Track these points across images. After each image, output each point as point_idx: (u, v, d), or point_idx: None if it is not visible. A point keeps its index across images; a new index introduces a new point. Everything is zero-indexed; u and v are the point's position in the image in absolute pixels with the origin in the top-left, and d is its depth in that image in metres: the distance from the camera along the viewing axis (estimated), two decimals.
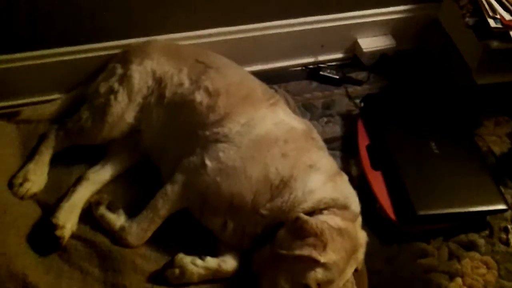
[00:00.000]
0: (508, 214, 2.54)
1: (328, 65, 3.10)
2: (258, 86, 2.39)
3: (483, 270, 2.38)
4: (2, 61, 2.53)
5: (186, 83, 2.33)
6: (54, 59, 2.59)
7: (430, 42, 3.20)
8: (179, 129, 2.28)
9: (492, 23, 2.67)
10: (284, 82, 2.96)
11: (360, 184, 2.46)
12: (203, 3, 2.68)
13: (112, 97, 2.34)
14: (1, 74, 2.55)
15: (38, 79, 2.62)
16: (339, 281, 1.99)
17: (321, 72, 3.04)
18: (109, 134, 2.36)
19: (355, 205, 2.14)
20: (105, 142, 2.39)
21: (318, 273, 1.91)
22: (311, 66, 3.08)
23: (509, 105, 2.99)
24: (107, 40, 2.63)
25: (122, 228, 2.15)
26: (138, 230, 2.14)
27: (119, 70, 2.40)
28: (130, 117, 2.35)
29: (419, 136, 2.64)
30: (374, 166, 2.54)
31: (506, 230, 2.50)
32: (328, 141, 2.56)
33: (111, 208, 2.20)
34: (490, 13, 2.68)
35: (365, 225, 2.20)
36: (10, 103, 2.63)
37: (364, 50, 3.08)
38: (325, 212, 2.03)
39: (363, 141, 2.64)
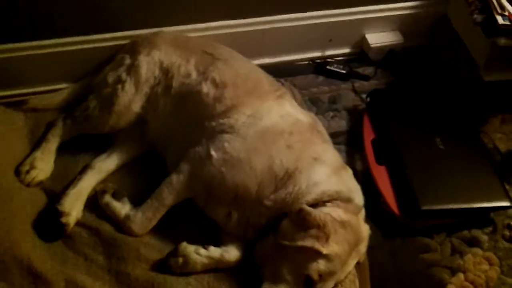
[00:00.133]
0: None
1: (335, 60, 3.11)
2: (265, 79, 2.40)
3: (485, 266, 2.38)
4: (11, 50, 2.54)
5: (193, 74, 2.34)
6: (62, 49, 2.60)
7: (438, 39, 3.20)
8: (186, 120, 2.30)
9: (500, 20, 2.67)
10: (291, 76, 2.97)
11: (365, 179, 2.47)
12: None
13: (119, 87, 2.35)
14: (9, 63, 2.56)
15: (46, 69, 2.63)
16: (341, 273, 2.00)
17: (328, 67, 3.05)
18: (116, 124, 2.37)
19: (359, 198, 2.14)
20: (112, 132, 2.41)
21: (320, 265, 1.92)
22: (318, 61, 3.09)
23: None
24: (115, 31, 2.64)
25: (127, 217, 2.16)
26: (142, 219, 2.15)
27: (127, 61, 2.42)
28: (137, 107, 2.36)
29: (424, 131, 2.65)
30: (379, 161, 2.55)
31: (509, 227, 2.50)
32: (333, 135, 2.56)
33: (116, 196, 2.22)
34: (499, 10, 2.68)
35: (369, 220, 2.21)
36: (18, 91, 2.64)
37: (372, 45, 3.09)
38: (329, 204, 2.04)
39: (368, 136, 2.65)
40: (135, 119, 2.38)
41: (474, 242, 2.45)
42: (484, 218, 2.53)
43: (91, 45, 2.63)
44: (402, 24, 3.13)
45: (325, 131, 2.32)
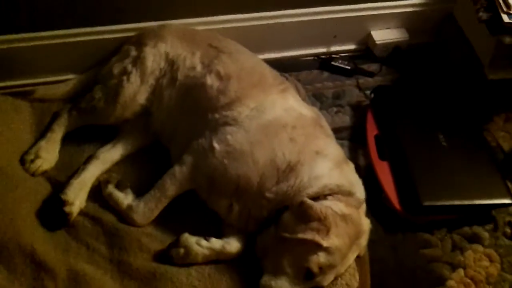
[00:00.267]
0: None
1: (341, 56, 3.11)
2: (269, 73, 2.41)
3: (485, 262, 2.39)
4: (19, 40, 2.56)
5: (198, 67, 2.35)
6: (68, 40, 2.61)
7: (443, 36, 3.20)
8: (190, 112, 2.31)
9: (505, 18, 2.67)
10: (295, 71, 2.98)
11: (367, 174, 2.48)
12: None
13: (125, 78, 2.37)
14: (17, 53, 2.58)
15: (53, 59, 2.65)
16: (341, 266, 2.02)
17: (332, 63, 3.05)
18: (121, 115, 2.38)
19: (360, 192, 2.16)
20: (117, 123, 2.42)
21: (321, 257, 1.94)
22: (323, 56, 3.10)
23: None
24: (121, 23, 2.65)
25: (130, 207, 2.18)
26: (145, 210, 2.17)
27: (133, 52, 2.43)
28: (142, 98, 2.37)
29: (427, 128, 2.65)
30: (381, 156, 2.56)
31: (510, 224, 2.50)
32: (336, 131, 2.57)
33: (120, 187, 2.23)
34: (504, 8, 2.68)
35: (370, 215, 2.22)
36: (25, 82, 2.65)
37: (377, 42, 3.09)
38: (330, 198, 2.05)
39: (372, 131, 2.66)
40: (140, 111, 2.40)
41: (475, 239, 2.46)
42: (485, 215, 2.53)
43: (97, 37, 2.64)
44: (408, 21, 3.13)
45: (328, 126, 2.33)
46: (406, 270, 2.34)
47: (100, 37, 2.64)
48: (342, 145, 2.51)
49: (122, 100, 2.36)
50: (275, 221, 2.04)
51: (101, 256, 2.11)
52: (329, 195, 2.06)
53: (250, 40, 2.72)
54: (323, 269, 1.96)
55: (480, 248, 2.43)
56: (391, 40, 3.12)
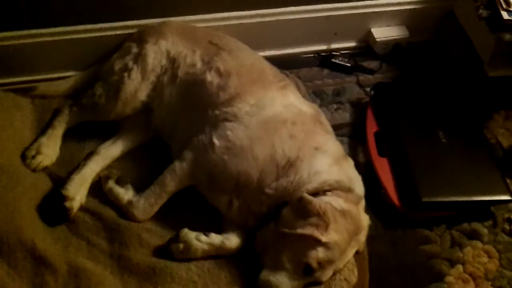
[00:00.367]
0: None
1: (341, 53, 3.11)
2: (269, 69, 2.42)
3: (484, 258, 2.39)
4: (21, 37, 2.57)
5: (199, 64, 2.36)
6: (70, 37, 2.62)
7: (443, 34, 3.20)
8: (190, 108, 2.32)
9: (505, 15, 2.67)
10: (296, 68, 2.98)
11: (366, 171, 2.49)
12: None
13: (126, 74, 2.38)
14: (19, 50, 2.59)
15: (54, 56, 2.66)
16: (340, 261, 2.03)
17: (333, 60, 3.05)
18: (122, 111, 2.40)
19: (359, 188, 2.17)
20: (118, 119, 2.43)
21: (320, 252, 1.95)
22: (323, 54, 3.10)
23: None
24: (123, 20, 2.66)
25: (130, 202, 2.19)
26: (145, 205, 2.18)
27: (134, 49, 2.44)
28: (143, 95, 2.38)
29: (427, 125, 2.66)
30: (381, 153, 2.56)
31: (509, 221, 2.51)
32: (336, 128, 2.59)
33: (120, 182, 2.24)
34: (504, 6, 2.68)
35: (370, 211, 2.23)
36: (27, 78, 2.66)
37: (377, 39, 3.09)
38: (329, 193, 2.06)
39: (371, 128, 2.66)
40: (140, 107, 2.41)
41: (474, 235, 2.46)
42: (484, 211, 2.53)
43: (98, 34, 2.64)
44: (408, 18, 3.13)
45: (327, 122, 2.34)
46: (405, 266, 2.34)
47: (101, 34, 2.65)
48: (342, 142, 2.51)
49: (123, 96, 2.37)
50: (274, 217, 2.05)
51: (101, 251, 2.12)
52: (329, 191, 2.07)
53: (251, 37, 2.73)
54: (322, 265, 1.97)
55: (479, 244, 2.43)
56: (392, 38, 3.12)
